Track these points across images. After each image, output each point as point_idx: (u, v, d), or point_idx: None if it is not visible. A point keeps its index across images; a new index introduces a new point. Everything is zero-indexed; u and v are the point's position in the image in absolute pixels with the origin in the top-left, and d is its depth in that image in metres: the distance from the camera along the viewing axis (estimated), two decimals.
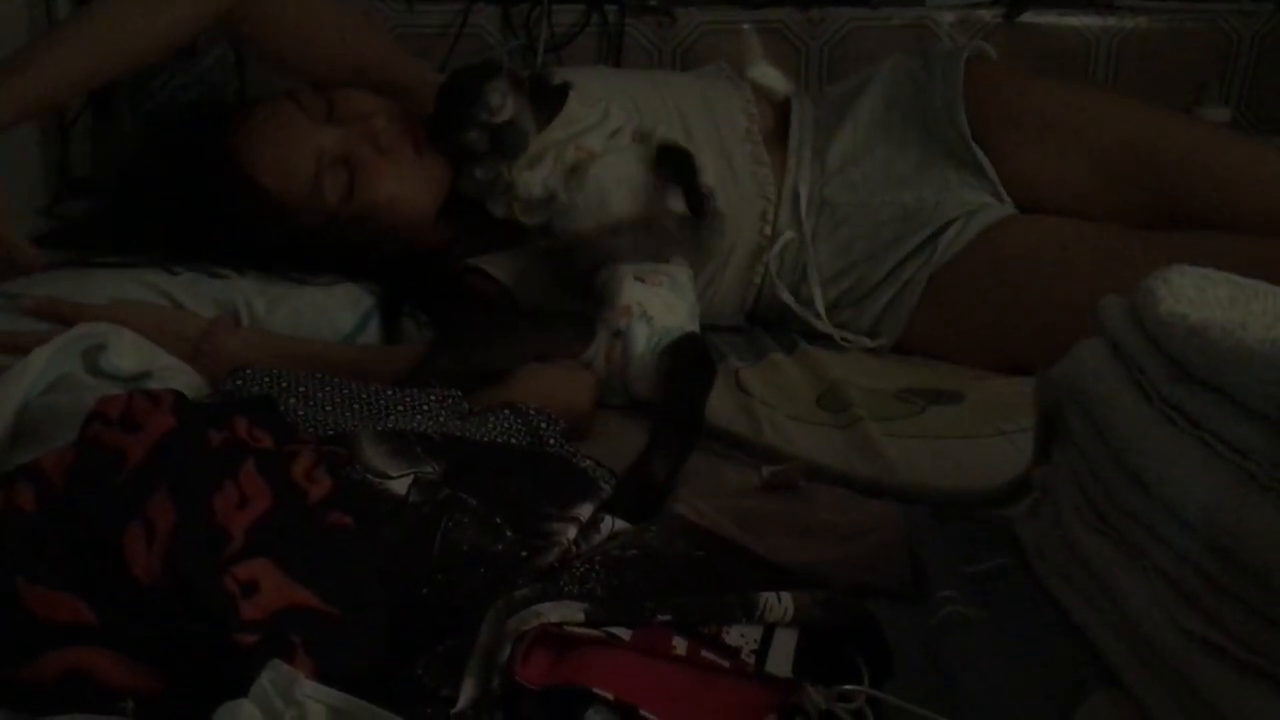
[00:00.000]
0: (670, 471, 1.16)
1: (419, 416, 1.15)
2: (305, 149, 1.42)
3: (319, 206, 1.42)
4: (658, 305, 1.35)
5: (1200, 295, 0.89)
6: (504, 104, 1.41)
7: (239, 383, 1.15)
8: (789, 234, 1.60)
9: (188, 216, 1.41)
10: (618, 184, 1.41)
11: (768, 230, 1.60)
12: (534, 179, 1.43)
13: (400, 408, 1.16)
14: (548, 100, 1.45)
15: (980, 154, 1.62)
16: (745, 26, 1.97)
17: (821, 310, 1.58)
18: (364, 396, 1.17)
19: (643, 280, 1.37)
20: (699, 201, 1.42)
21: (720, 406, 1.36)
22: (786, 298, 1.59)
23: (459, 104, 1.43)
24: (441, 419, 1.16)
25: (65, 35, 1.37)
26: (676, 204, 1.43)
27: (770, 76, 1.74)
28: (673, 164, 1.43)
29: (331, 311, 1.39)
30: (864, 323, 1.58)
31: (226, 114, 1.47)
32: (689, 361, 1.31)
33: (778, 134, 1.67)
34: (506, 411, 1.17)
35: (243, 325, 1.36)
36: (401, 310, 1.41)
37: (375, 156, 1.44)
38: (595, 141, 1.44)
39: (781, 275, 1.60)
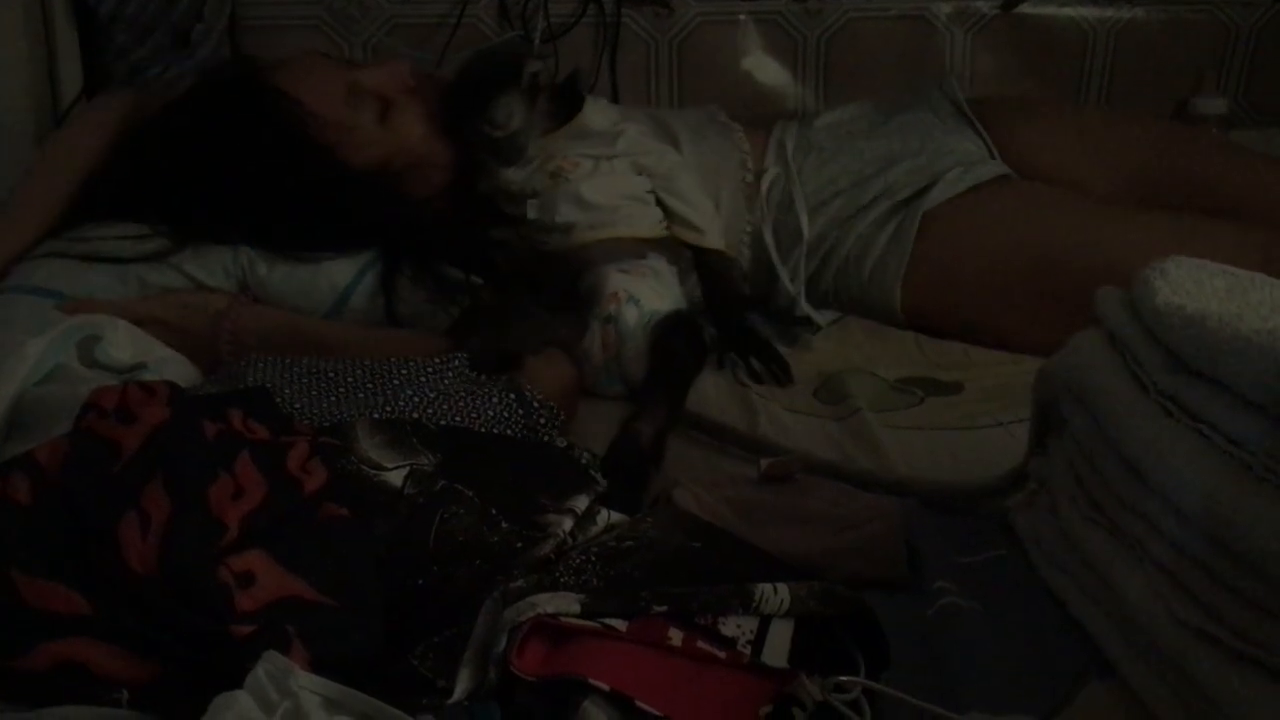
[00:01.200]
0: (657, 434, 1.17)
1: (422, 379, 1.15)
2: (337, 79, 1.49)
3: (354, 127, 1.46)
4: (645, 291, 1.37)
5: (1197, 286, 0.89)
6: (509, 121, 1.46)
7: (239, 368, 1.16)
8: (775, 170, 1.63)
9: (221, 154, 1.42)
10: (595, 206, 1.43)
11: (749, 177, 1.62)
12: (516, 177, 1.48)
13: (404, 372, 1.17)
14: (561, 108, 1.49)
15: (973, 118, 1.68)
16: (741, 17, 1.97)
17: (804, 227, 1.58)
18: (370, 368, 1.18)
19: (626, 271, 1.40)
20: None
21: (716, 397, 1.36)
22: (768, 237, 1.60)
23: (469, 101, 1.47)
24: (445, 384, 1.16)
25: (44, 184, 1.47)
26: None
27: None
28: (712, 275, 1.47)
29: (327, 265, 1.41)
30: (864, 264, 1.58)
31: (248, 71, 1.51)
32: (678, 332, 1.32)
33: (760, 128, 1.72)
34: (511, 396, 1.17)
35: (252, 291, 1.39)
36: (400, 267, 1.42)
37: (408, 96, 1.51)
38: (587, 160, 1.46)
39: (769, 210, 1.61)
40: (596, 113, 1.54)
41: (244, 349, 1.29)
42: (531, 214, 1.46)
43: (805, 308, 1.57)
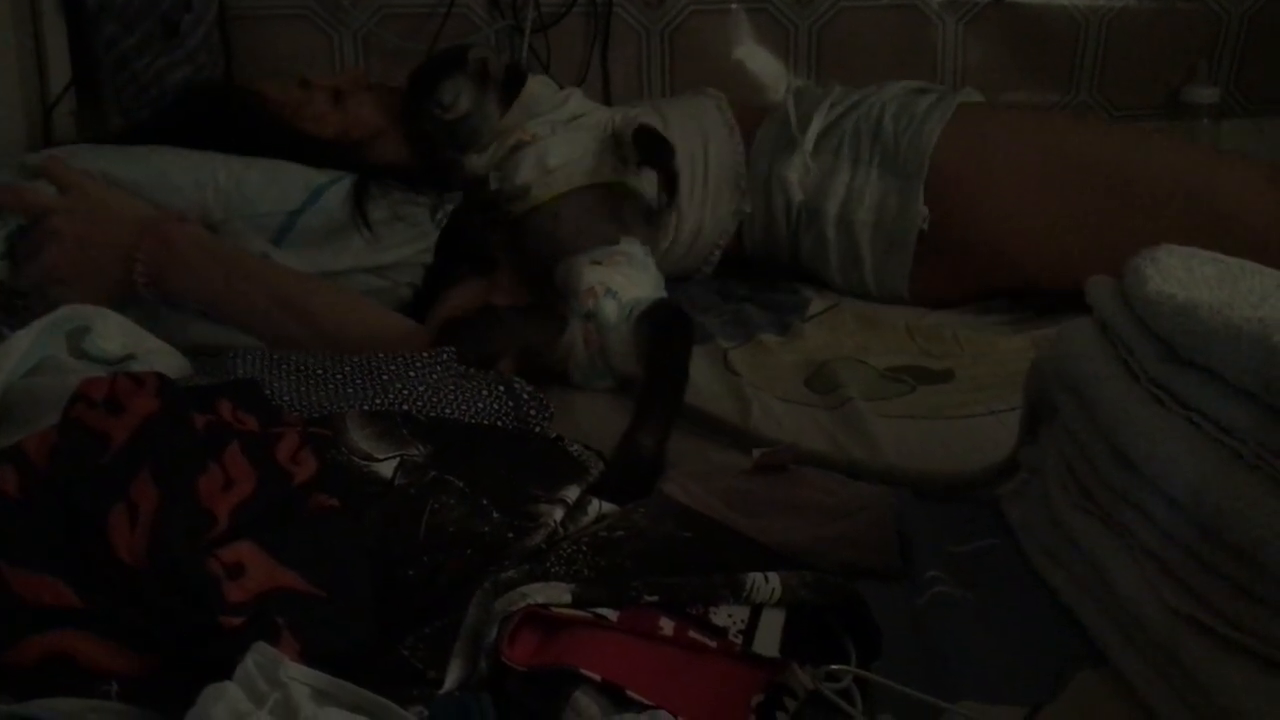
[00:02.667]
0: (658, 443, 1.17)
1: (411, 374, 1.15)
2: (290, 78, 1.59)
3: (308, 104, 1.53)
4: (620, 280, 1.36)
5: (1188, 274, 0.89)
6: (456, 101, 1.51)
7: (226, 361, 1.15)
8: (799, 82, 1.72)
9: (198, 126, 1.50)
10: (559, 164, 1.45)
11: (727, 115, 1.66)
12: (479, 162, 1.51)
13: (393, 367, 1.16)
14: (509, 93, 1.53)
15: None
16: (733, 6, 1.97)
17: (836, 86, 1.64)
18: (358, 364, 1.17)
19: (599, 263, 1.39)
20: (672, 184, 1.46)
21: (708, 387, 1.36)
22: (790, 104, 1.63)
23: (418, 95, 1.55)
24: (434, 377, 1.16)
25: None
26: (647, 186, 1.47)
27: None
28: (648, 146, 1.47)
29: (302, 170, 1.43)
30: (899, 119, 1.59)
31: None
32: (666, 322, 1.32)
33: None
34: (500, 388, 1.16)
35: (211, 198, 1.39)
36: (377, 178, 1.45)
37: (360, 88, 1.58)
38: (543, 127, 1.48)
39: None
40: (539, 85, 1.57)
41: (161, 265, 1.30)
42: (494, 185, 1.48)
43: (809, 158, 1.59)
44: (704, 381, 1.37)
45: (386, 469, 0.97)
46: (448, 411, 1.11)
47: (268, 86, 1.56)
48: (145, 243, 1.30)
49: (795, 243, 1.64)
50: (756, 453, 1.15)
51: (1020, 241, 1.53)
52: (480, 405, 1.13)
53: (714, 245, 1.66)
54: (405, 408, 1.10)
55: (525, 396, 1.16)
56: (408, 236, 1.43)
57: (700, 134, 1.63)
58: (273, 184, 1.40)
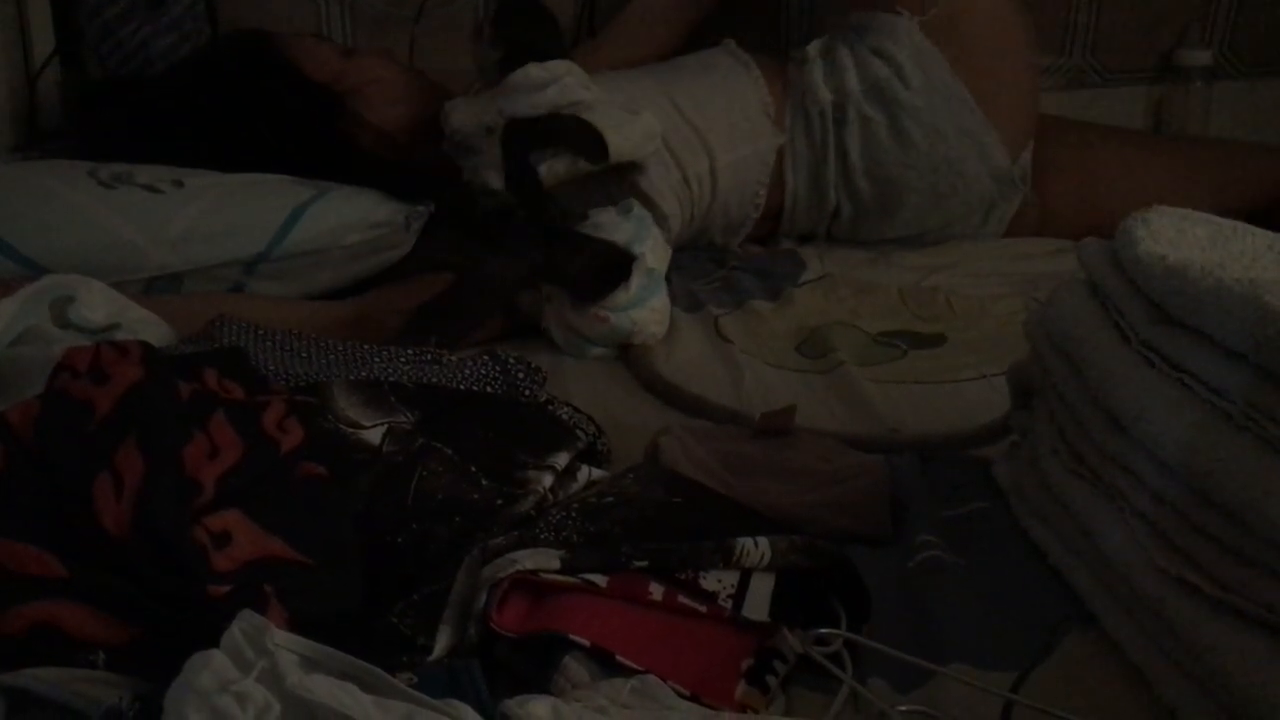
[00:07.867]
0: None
1: (393, 368, 1.15)
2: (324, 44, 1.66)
3: (319, 46, 1.59)
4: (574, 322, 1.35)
5: (1179, 236, 0.88)
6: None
7: (214, 330, 1.15)
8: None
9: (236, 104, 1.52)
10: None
11: (746, 61, 1.70)
12: (462, 119, 1.48)
13: (378, 360, 1.16)
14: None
15: None
16: None
17: None
18: (341, 349, 1.16)
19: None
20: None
21: (699, 354, 1.35)
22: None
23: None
24: (420, 373, 1.15)
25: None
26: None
27: None
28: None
29: (277, 192, 1.41)
30: None
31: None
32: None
33: None
34: (485, 358, 1.16)
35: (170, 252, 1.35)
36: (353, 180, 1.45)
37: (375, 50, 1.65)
38: (521, 108, 1.44)
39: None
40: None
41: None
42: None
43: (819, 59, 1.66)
44: (695, 348, 1.36)
45: (374, 436, 0.97)
46: (435, 381, 1.11)
47: (296, 38, 1.60)
48: None
49: (845, 143, 1.67)
50: (759, 415, 1.15)
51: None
52: (468, 371, 1.13)
53: (758, 184, 1.67)
54: (392, 376, 1.09)
55: (511, 362, 1.15)
56: (384, 246, 1.42)
57: (717, 80, 1.67)
58: (240, 225, 1.37)
